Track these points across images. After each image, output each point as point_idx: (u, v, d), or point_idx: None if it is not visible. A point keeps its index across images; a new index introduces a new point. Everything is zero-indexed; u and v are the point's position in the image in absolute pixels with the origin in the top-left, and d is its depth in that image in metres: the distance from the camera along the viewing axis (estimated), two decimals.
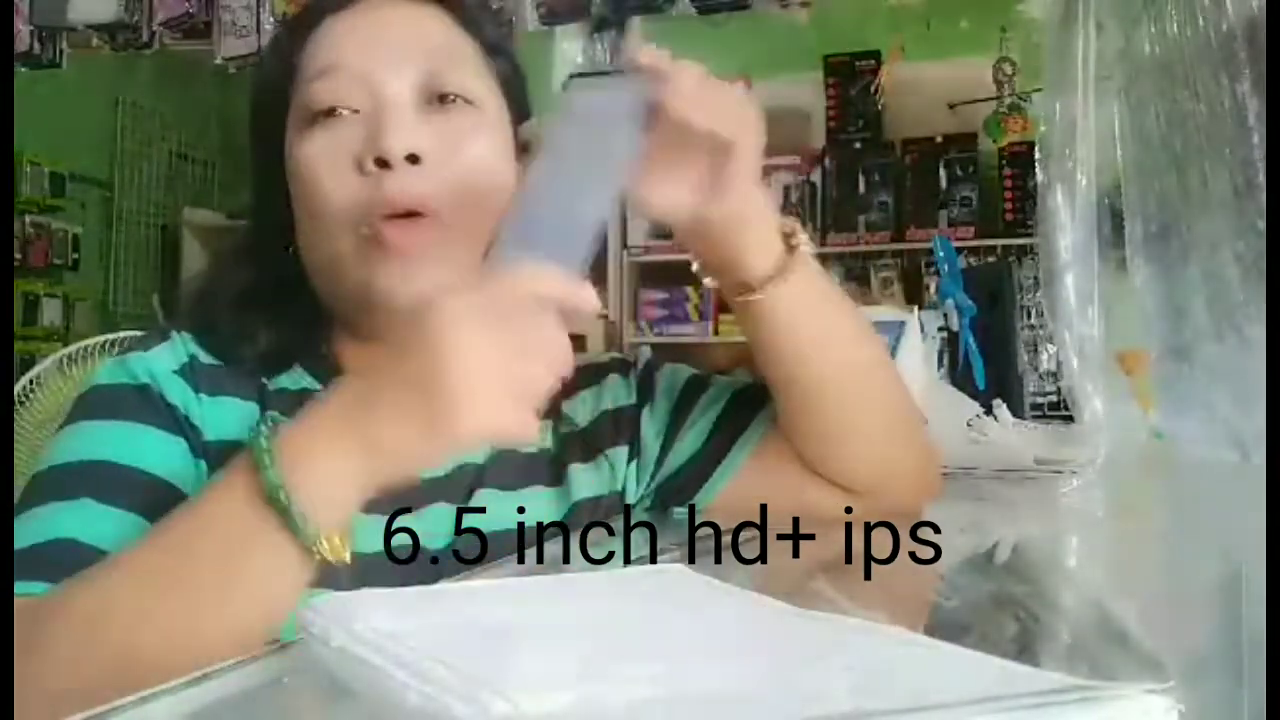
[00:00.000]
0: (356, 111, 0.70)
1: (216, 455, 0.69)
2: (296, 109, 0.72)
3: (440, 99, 0.71)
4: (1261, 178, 1.11)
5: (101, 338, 1.50)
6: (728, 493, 0.79)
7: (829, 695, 0.31)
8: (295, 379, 0.75)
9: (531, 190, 0.60)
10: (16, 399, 1.47)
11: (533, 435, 0.54)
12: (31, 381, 1.49)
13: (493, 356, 0.52)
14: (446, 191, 0.69)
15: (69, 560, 0.60)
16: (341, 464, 0.53)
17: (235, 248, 0.79)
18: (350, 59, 0.71)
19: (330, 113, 0.70)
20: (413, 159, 0.68)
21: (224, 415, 0.71)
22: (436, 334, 0.52)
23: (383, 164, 0.68)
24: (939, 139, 3.67)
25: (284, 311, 0.75)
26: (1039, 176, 1.67)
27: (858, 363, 0.75)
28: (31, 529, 0.63)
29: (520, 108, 0.79)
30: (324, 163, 0.69)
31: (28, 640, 0.53)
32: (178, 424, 0.69)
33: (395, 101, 0.70)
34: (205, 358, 0.72)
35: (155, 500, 0.66)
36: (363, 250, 0.69)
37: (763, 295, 0.69)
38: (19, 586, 0.60)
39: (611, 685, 0.31)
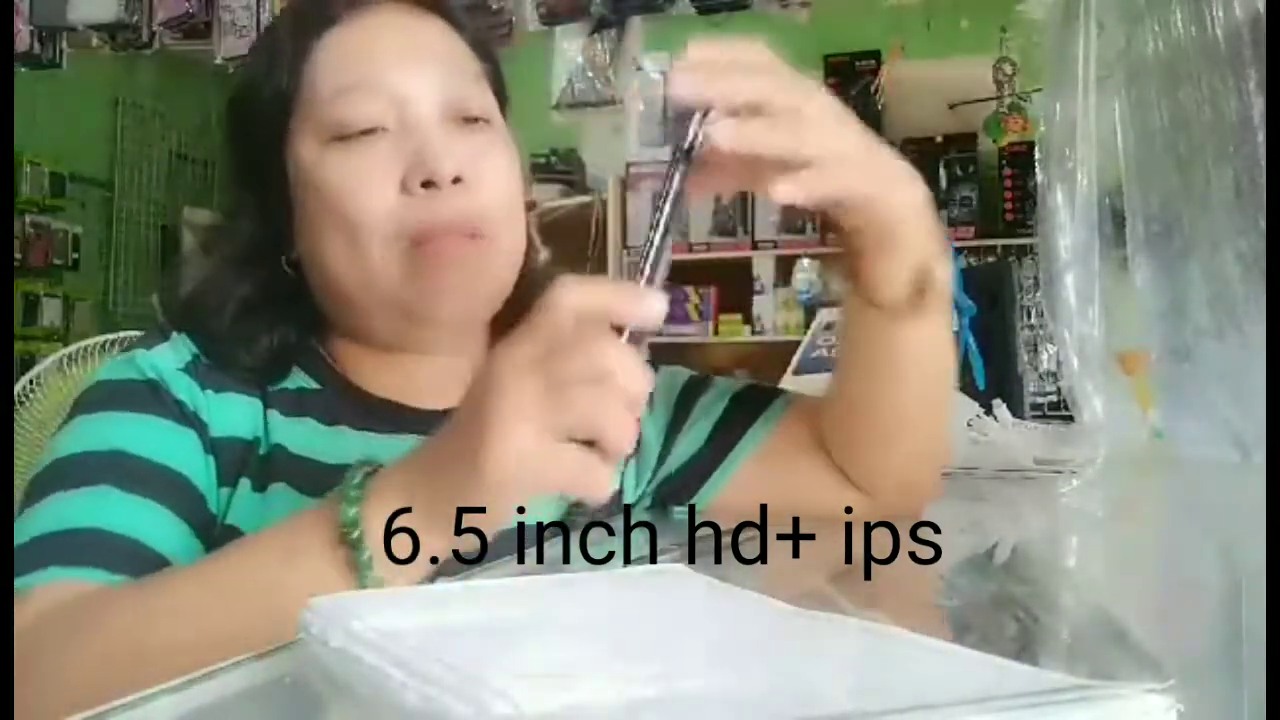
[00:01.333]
0: (385, 129, 0.71)
1: (224, 450, 0.70)
2: (316, 123, 0.72)
3: (466, 120, 0.73)
4: (1264, 177, 1.11)
5: (101, 338, 1.50)
6: (728, 493, 0.79)
7: (829, 695, 0.31)
8: (293, 379, 0.76)
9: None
10: (16, 399, 1.47)
11: (596, 487, 0.49)
12: (31, 381, 1.49)
13: (533, 408, 0.49)
14: (491, 210, 0.72)
15: (103, 548, 0.62)
16: (417, 522, 0.53)
17: (226, 256, 0.78)
18: (376, 75, 0.72)
19: (359, 131, 0.71)
20: (456, 181, 0.70)
21: (230, 411, 0.72)
22: (481, 394, 0.50)
23: (429, 184, 0.69)
24: (939, 139, 3.67)
25: (279, 320, 0.75)
26: (1039, 176, 1.67)
27: (938, 400, 0.74)
28: (56, 515, 0.63)
29: (502, 107, 0.80)
30: (361, 181, 0.70)
31: (75, 628, 0.55)
32: (187, 419, 0.70)
33: (429, 121, 0.72)
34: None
35: (172, 491, 0.67)
36: (405, 266, 0.70)
37: (884, 329, 0.67)
38: (53, 571, 0.60)
39: (612, 685, 0.31)
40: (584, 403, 0.49)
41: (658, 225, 0.54)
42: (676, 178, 0.55)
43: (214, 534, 0.69)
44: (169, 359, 0.72)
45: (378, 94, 0.71)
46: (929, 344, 0.68)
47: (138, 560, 0.62)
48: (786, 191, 0.57)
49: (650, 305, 0.51)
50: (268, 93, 0.74)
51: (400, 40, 0.74)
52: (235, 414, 0.72)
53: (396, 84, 0.72)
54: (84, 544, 0.62)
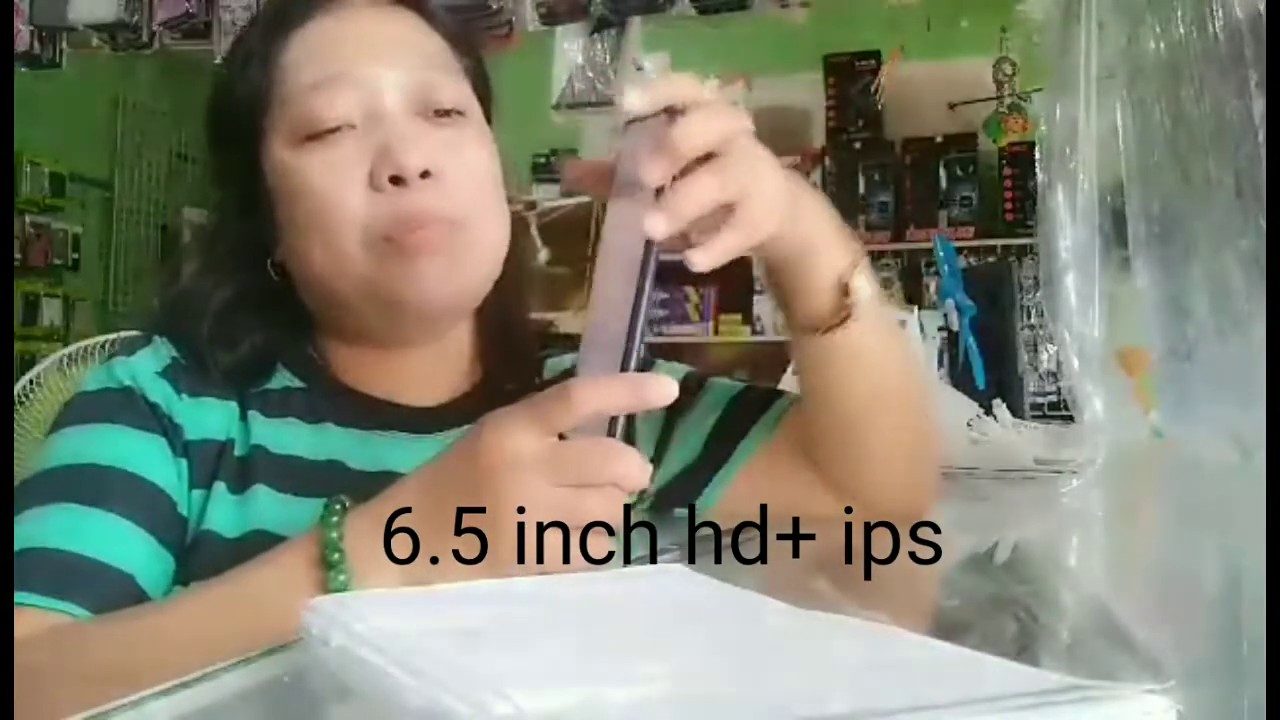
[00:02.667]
0: (353, 126, 0.71)
1: (198, 453, 0.71)
2: (289, 121, 0.72)
3: (436, 113, 0.73)
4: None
5: (101, 338, 1.50)
6: (726, 499, 0.78)
7: (829, 695, 0.31)
8: (277, 379, 0.76)
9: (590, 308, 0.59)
10: (16, 399, 1.47)
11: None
12: (31, 381, 1.50)
13: (548, 513, 0.52)
14: (462, 203, 0.71)
15: (56, 571, 0.62)
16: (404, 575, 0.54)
17: (211, 259, 0.78)
18: (343, 69, 0.71)
19: (329, 129, 0.70)
20: (425, 175, 0.69)
21: (204, 415, 0.72)
22: (490, 476, 0.53)
23: (397, 181, 0.69)
24: (939, 139, 3.67)
25: (263, 323, 0.75)
26: (1039, 176, 1.67)
27: (902, 400, 0.74)
28: (17, 537, 0.64)
29: (486, 103, 0.80)
30: (331, 179, 0.70)
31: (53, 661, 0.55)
32: (160, 424, 0.70)
33: (398, 116, 0.71)
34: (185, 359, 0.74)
35: (140, 502, 0.67)
36: (382, 261, 0.69)
37: (817, 341, 0.69)
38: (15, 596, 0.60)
39: (612, 685, 0.31)
40: (596, 507, 0.53)
41: (638, 314, 0.55)
42: (650, 268, 0.55)
43: (186, 539, 0.69)
44: (147, 364, 0.72)
45: (345, 89, 0.71)
46: (866, 348, 0.70)
47: (90, 579, 0.63)
48: (704, 260, 0.58)
49: (666, 390, 0.53)
50: (243, 93, 0.74)
51: (368, 33, 0.74)
52: (210, 417, 0.72)
53: (363, 77, 0.71)
54: (36, 567, 0.62)
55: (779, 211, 0.61)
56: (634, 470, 0.53)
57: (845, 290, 0.67)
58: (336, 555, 0.54)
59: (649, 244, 0.55)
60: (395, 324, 0.74)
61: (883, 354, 0.72)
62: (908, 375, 0.76)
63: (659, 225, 0.55)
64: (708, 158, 0.57)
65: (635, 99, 0.57)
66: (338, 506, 0.55)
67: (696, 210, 0.56)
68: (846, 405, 0.73)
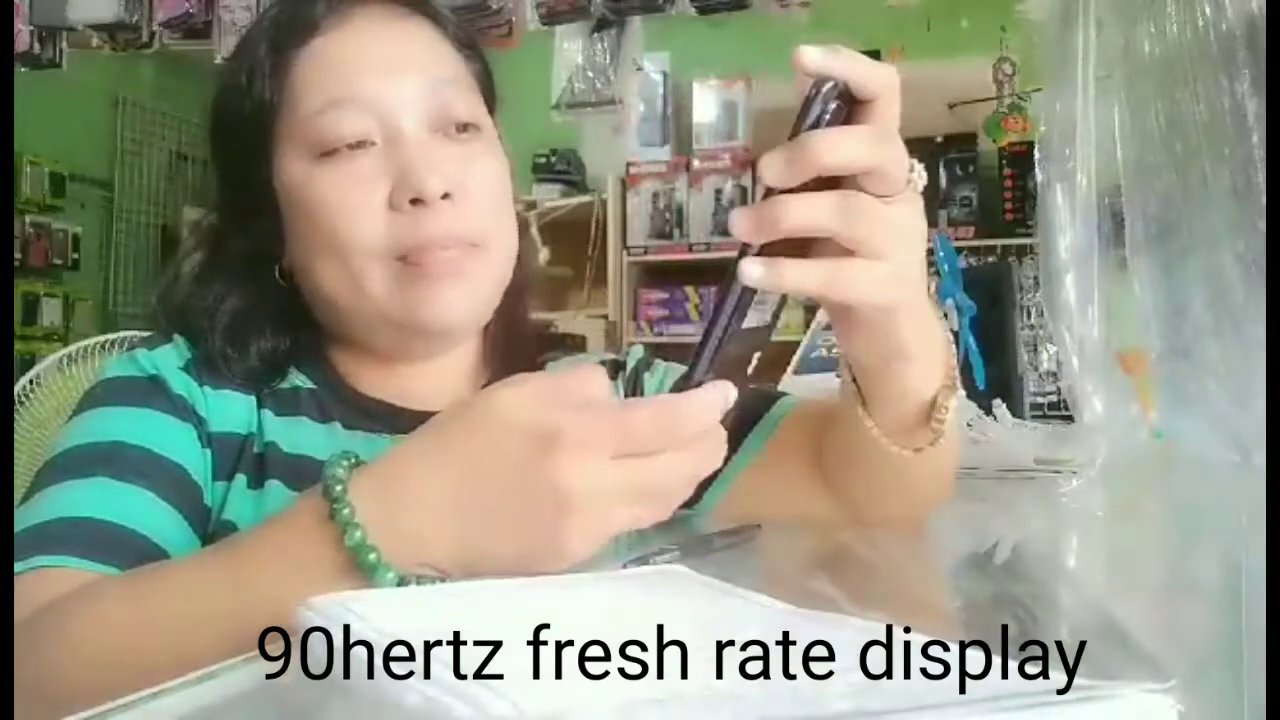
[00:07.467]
0: (372, 143, 0.70)
1: (220, 446, 0.72)
2: (303, 138, 0.71)
3: (453, 129, 0.73)
4: (1261, 177, 1.11)
5: (101, 338, 1.50)
6: (726, 501, 0.78)
7: (829, 695, 0.31)
8: (290, 379, 0.77)
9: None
10: (16, 399, 1.47)
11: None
12: (31, 381, 1.49)
13: (619, 523, 0.48)
14: (480, 221, 0.72)
15: (91, 536, 0.62)
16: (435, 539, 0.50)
17: (216, 266, 0.78)
18: (360, 89, 0.71)
19: (345, 146, 0.70)
20: (445, 196, 0.70)
21: (226, 408, 0.73)
22: (563, 471, 0.47)
23: (417, 202, 0.69)
24: (939, 139, 3.67)
25: (272, 328, 0.76)
26: (1039, 176, 1.67)
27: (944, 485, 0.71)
28: (47, 506, 0.64)
29: (491, 104, 0.80)
30: (348, 200, 0.70)
31: (61, 626, 0.54)
32: (186, 413, 0.71)
33: (416, 136, 0.71)
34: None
35: (168, 481, 0.68)
36: (398, 280, 0.70)
37: (900, 455, 0.64)
38: (36, 560, 0.60)
39: (611, 685, 0.31)
40: (664, 506, 0.50)
41: (719, 314, 0.51)
42: (735, 288, 0.50)
43: (209, 527, 0.70)
44: (169, 358, 0.73)
45: (362, 108, 0.70)
46: (943, 461, 0.65)
47: (127, 546, 0.63)
48: (755, 276, 0.50)
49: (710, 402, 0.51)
50: (249, 107, 0.73)
51: (383, 49, 0.73)
52: (232, 410, 0.73)
53: (381, 97, 0.71)
54: (71, 533, 0.62)
55: (894, 292, 0.55)
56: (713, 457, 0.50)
57: (937, 409, 0.61)
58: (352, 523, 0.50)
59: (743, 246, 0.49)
60: (406, 342, 0.75)
61: (943, 470, 0.68)
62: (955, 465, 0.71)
63: (743, 226, 0.49)
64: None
65: (816, 57, 0.49)
66: (343, 464, 0.52)
67: (790, 229, 0.49)
68: (887, 507, 0.70)
